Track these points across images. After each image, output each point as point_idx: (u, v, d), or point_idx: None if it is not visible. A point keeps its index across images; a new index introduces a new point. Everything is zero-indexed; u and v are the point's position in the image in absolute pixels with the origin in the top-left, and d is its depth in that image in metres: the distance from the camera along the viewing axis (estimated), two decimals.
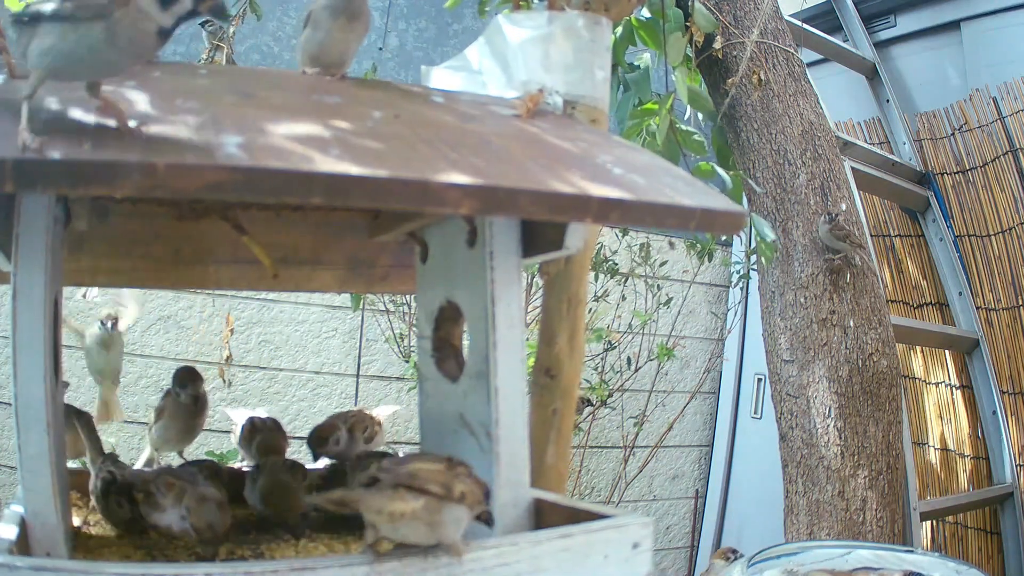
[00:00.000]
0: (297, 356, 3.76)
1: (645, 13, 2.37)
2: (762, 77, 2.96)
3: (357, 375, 3.82)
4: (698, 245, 3.30)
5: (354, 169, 0.72)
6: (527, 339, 1.27)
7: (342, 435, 1.32)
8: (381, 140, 0.81)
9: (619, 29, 2.33)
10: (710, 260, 3.38)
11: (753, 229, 2.45)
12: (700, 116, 2.96)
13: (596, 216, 0.81)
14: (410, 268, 1.23)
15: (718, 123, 2.89)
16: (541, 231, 1.02)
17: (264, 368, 3.69)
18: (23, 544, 0.86)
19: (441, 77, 1.31)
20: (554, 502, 1.06)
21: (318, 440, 1.32)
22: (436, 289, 1.15)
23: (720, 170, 2.34)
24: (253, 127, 0.78)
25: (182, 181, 0.67)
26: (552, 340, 1.26)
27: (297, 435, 3.68)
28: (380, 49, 4.04)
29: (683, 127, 2.32)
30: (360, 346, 3.83)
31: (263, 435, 1.36)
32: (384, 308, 3.49)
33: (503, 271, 1.01)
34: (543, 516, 1.05)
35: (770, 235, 2.44)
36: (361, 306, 3.47)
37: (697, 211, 0.86)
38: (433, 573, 0.84)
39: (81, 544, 1.10)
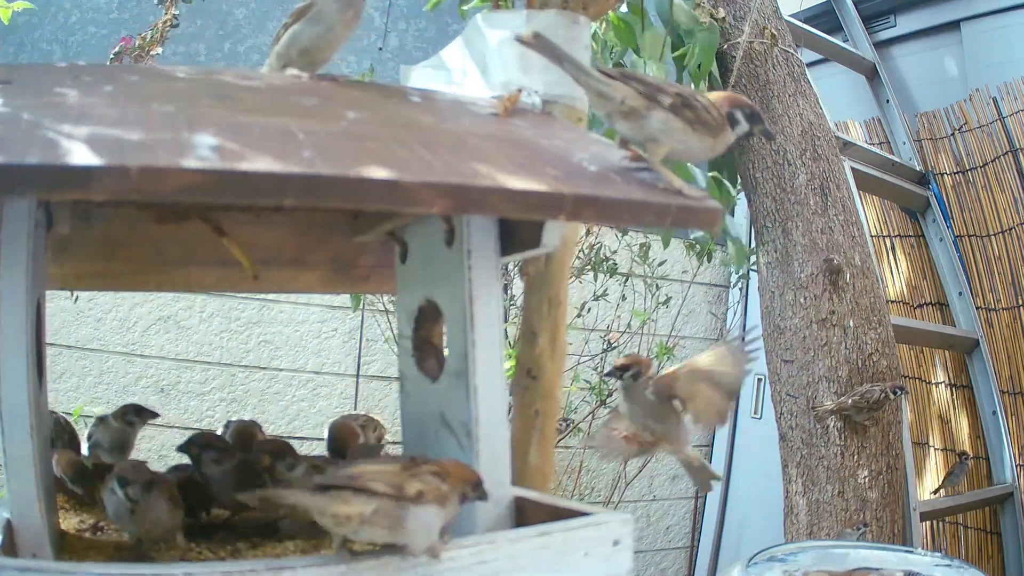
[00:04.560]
0: (297, 356, 3.77)
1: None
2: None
3: (357, 375, 3.83)
4: (697, 245, 3.30)
5: (326, 170, 0.73)
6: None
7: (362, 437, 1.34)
8: (355, 141, 0.82)
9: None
10: (709, 260, 3.38)
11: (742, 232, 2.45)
12: None
13: (570, 213, 0.82)
14: (391, 268, 1.23)
15: None
16: (519, 229, 1.03)
17: (264, 368, 3.70)
18: (9, 546, 0.87)
19: (420, 77, 1.31)
20: (536, 500, 1.06)
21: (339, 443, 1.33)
22: (416, 289, 1.15)
23: (696, 171, 2.34)
24: (228, 129, 0.79)
25: (155, 184, 0.68)
26: (533, 341, 1.26)
27: (296, 435, 3.70)
28: (380, 49, 4.04)
29: None
30: (360, 346, 3.83)
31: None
32: (384, 308, 3.49)
33: (481, 270, 1.01)
34: (525, 514, 1.05)
35: (742, 239, 2.45)
36: (361, 306, 3.48)
37: (672, 207, 0.87)
38: (411, 572, 0.85)
39: (69, 546, 1.11)
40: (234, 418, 1.45)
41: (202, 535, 1.17)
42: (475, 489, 0.90)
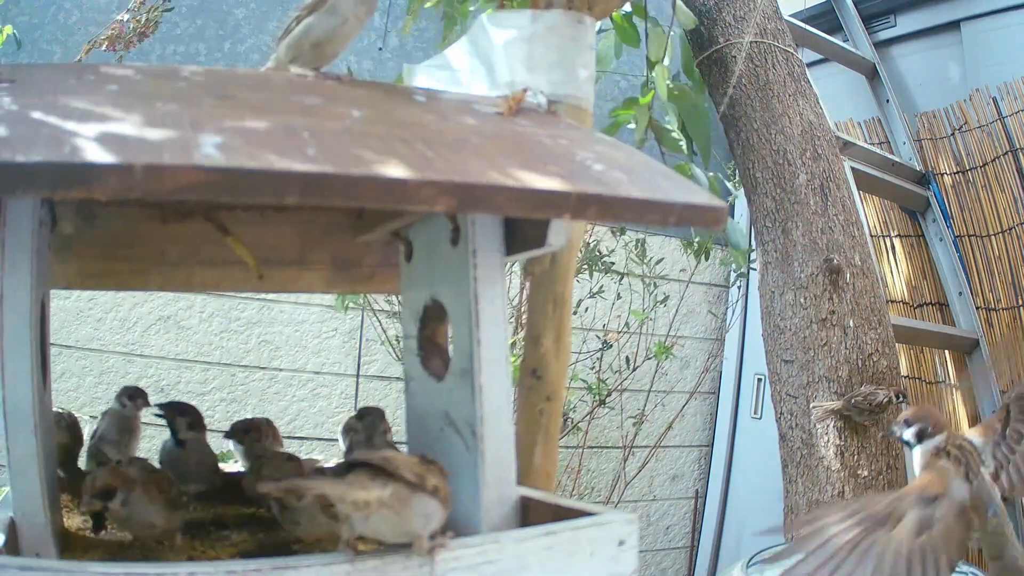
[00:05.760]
0: (297, 356, 3.77)
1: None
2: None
3: (357, 375, 3.82)
4: (695, 244, 3.30)
5: (329, 168, 0.73)
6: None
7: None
8: (358, 139, 0.82)
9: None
10: (707, 259, 3.37)
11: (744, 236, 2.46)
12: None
13: (574, 212, 0.81)
14: (396, 267, 1.23)
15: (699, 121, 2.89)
16: (524, 229, 1.03)
17: (264, 368, 3.70)
18: (12, 545, 0.87)
19: (424, 76, 1.31)
20: (540, 500, 1.06)
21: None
22: (420, 288, 1.15)
23: (698, 171, 2.35)
24: (231, 128, 0.78)
25: (159, 182, 0.67)
26: (538, 340, 1.26)
27: (297, 435, 3.70)
28: (380, 49, 4.04)
29: (663, 125, 2.33)
30: (360, 346, 3.83)
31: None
32: (383, 308, 3.49)
33: (486, 269, 1.01)
34: (530, 514, 1.05)
35: (743, 244, 2.45)
36: (362, 306, 3.47)
37: (677, 206, 0.86)
38: (415, 571, 0.85)
39: (72, 544, 1.11)
40: (249, 417, 1.46)
41: (203, 533, 1.18)
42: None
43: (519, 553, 0.91)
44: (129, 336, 3.52)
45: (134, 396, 1.39)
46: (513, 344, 2.32)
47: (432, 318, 1.14)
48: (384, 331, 3.53)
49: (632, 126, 2.32)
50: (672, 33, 2.46)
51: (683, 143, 2.40)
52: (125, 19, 2.29)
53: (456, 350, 1.06)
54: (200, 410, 1.38)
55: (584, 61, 1.21)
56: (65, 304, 3.36)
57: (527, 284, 1.35)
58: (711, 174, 2.42)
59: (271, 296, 3.67)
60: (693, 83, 2.90)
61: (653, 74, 2.22)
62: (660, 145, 2.32)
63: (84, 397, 3.36)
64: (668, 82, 2.33)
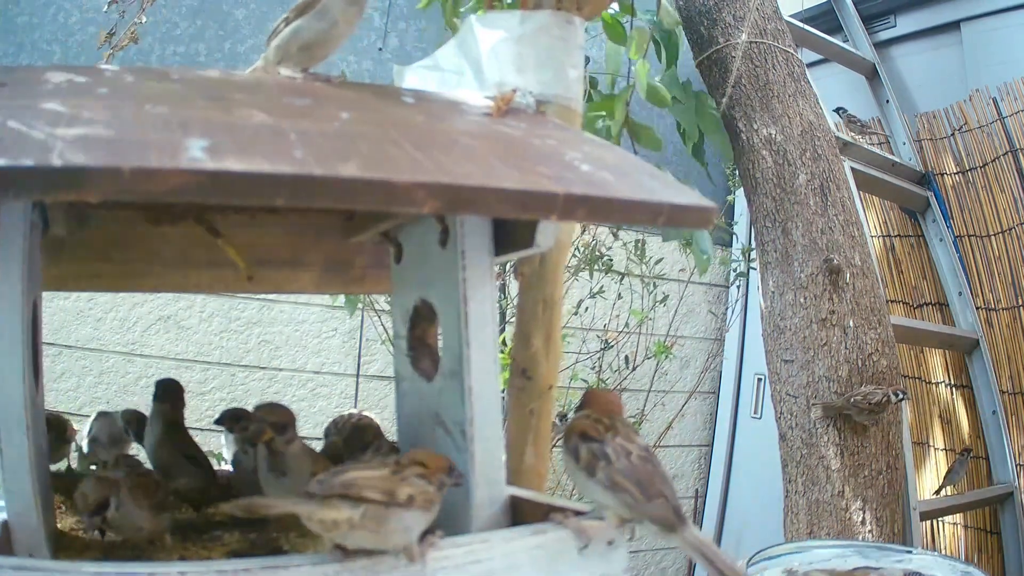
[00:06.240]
0: (297, 356, 3.77)
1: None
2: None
3: (357, 375, 3.83)
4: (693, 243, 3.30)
5: (318, 170, 0.73)
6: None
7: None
8: (348, 141, 0.82)
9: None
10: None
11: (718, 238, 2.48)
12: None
13: (562, 213, 0.81)
14: (386, 269, 1.23)
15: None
16: (512, 230, 1.03)
17: (264, 368, 3.71)
18: (6, 545, 0.88)
19: (414, 77, 1.32)
20: (531, 499, 1.06)
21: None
22: (410, 289, 1.16)
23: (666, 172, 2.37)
24: (220, 130, 0.79)
25: (147, 185, 0.68)
26: (528, 341, 1.26)
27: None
28: (380, 49, 4.05)
29: (639, 122, 2.33)
30: (360, 346, 3.84)
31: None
32: (384, 308, 3.50)
33: (475, 270, 1.01)
34: (521, 514, 1.06)
35: (707, 250, 2.46)
36: (362, 305, 3.48)
37: (665, 206, 0.86)
38: (404, 570, 0.85)
39: (65, 545, 1.11)
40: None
41: (194, 533, 1.18)
42: (450, 475, 0.90)
43: (508, 552, 0.91)
44: (129, 336, 3.53)
45: (130, 423, 1.40)
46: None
47: (422, 319, 1.15)
48: (384, 331, 3.53)
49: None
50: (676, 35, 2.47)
51: (659, 139, 2.41)
52: None
53: (445, 351, 1.07)
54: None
55: (573, 61, 1.21)
56: (65, 304, 3.37)
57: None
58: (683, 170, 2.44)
59: (271, 296, 3.68)
60: None
61: (634, 69, 2.23)
62: (635, 143, 2.31)
63: (84, 397, 3.37)
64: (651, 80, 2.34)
